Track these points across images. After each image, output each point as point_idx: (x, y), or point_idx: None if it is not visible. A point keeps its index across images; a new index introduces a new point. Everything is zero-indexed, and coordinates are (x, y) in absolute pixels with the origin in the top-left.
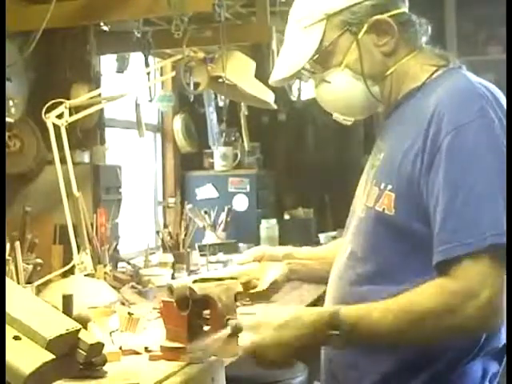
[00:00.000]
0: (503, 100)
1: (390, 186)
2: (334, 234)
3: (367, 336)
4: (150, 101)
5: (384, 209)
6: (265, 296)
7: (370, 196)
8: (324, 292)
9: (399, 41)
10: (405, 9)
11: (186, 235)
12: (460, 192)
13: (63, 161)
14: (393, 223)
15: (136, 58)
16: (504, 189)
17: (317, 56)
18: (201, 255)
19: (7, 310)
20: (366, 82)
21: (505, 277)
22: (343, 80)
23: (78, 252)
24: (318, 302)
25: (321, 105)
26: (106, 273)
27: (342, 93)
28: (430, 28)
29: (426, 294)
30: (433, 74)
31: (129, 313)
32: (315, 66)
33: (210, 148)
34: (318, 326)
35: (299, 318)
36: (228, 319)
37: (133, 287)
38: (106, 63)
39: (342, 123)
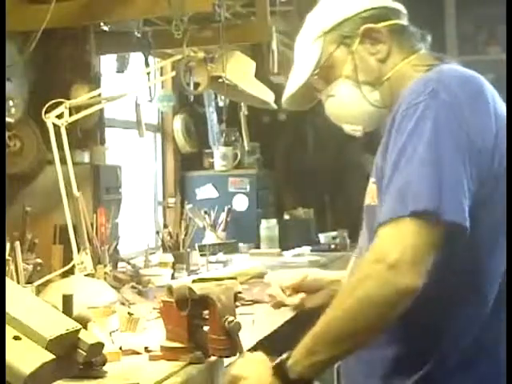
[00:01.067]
0: (489, 93)
1: (373, 179)
2: (334, 234)
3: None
4: (150, 101)
5: (370, 202)
6: None
7: (368, 194)
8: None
9: (392, 47)
10: (399, 20)
11: (186, 235)
12: (399, 165)
13: (63, 161)
14: (378, 213)
15: (136, 58)
16: (445, 163)
17: (317, 72)
18: (201, 255)
19: (7, 309)
20: (361, 88)
21: (431, 247)
22: (344, 90)
23: (78, 252)
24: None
25: (331, 120)
26: (106, 273)
27: (344, 103)
28: (428, 35)
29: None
30: (426, 72)
31: (129, 313)
32: (320, 82)
33: (210, 148)
34: None
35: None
36: (227, 319)
37: (133, 287)
38: (106, 63)
39: (353, 134)
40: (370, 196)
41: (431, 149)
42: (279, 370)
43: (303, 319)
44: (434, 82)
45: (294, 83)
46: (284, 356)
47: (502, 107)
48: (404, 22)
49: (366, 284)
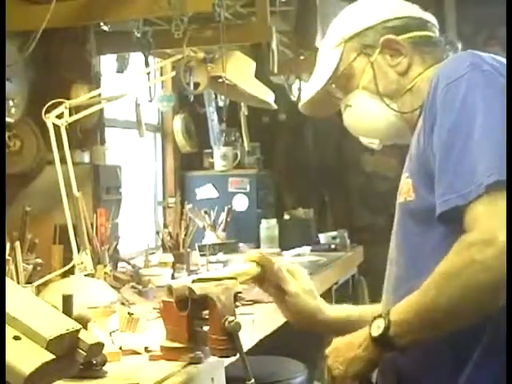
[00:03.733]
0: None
1: (406, 174)
2: (334, 234)
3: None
4: (150, 101)
5: (405, 198)
6: None
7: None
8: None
9: (414, 59)
10: (425, 31)
11: (186, 235)
12: (455, 143)
13: (63, 161)
14: (416, 208)
15: (136, 58)
16: (503, 132)
17: (335, 80)
18: (201, 255)
19: (7, 309)
20: (379, 100)
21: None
22: (361, 101)
23: (78, 252)
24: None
25: (348, 130)
26: (106, 273)
27: (360, 114)
28: (457, 44)
29: (449, 258)
30: None
31: (129, 313)
32: (338, 91)
33: (210, 148)
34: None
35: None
36: (227, 319)
37: (133, 287)
38: (106, 63)
39: (370, 147)
40: (405, 191)
41: (488, 120)
42: (381, 342)
43: None
44: (469, 56)
45: (311, 89)
46: (381, 326)
47: None
48: (430, 32)
49: (474, 269)
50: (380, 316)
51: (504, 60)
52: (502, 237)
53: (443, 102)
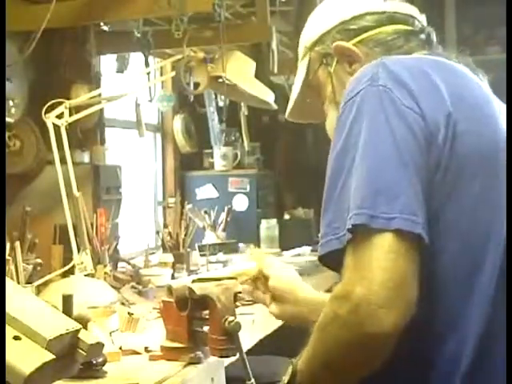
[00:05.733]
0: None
1: None
2: None
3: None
4: (150, 101)
5: None
6: None
7: None
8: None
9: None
10: (394, 25)
11: (186, 235)
12: (338, 174)
13: (63, 161)
14: None
15: (136, 58)
16: (390, 160)
17: (310, 90)
18: (201, 255)
19: (7, 309)
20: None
21: (401, 258)
22: (328, 114)
23: (78, 252)
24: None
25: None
26: (106, 273)
27: (328, 128)
28: (432, 36)
29: (323, 310)
30: None
31: (129, 313)
32: (317, 101)
33: (210, 148)
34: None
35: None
36: (227, 319)
37: (133, 287)
38: (106, 63)
39: None
40: None
41: (369, 149)
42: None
43: None
44: (373, 68)
45: (291, 98)
46: (288, 373)
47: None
48: (401, 25)
49: (335, 324)
50: (292, 363)
51: (417, 60)
52: (359, 290)
53: (337, 124)
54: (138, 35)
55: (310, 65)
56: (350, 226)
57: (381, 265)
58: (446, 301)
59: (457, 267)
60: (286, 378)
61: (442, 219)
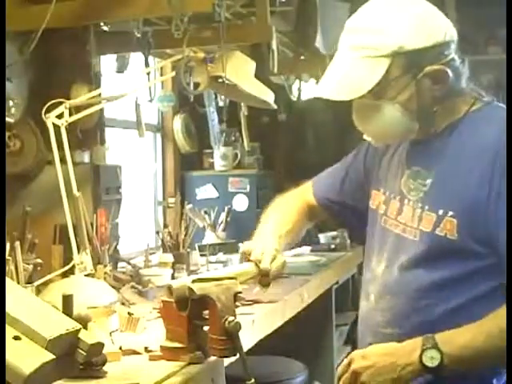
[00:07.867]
0: None
1: (451, 212)
2: (334, 234)
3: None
4: (150, 101)
5: (446, 234)
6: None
7: (423, 221)
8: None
9: (449, 86)
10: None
11: (186, 235)
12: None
13: (63, 161)
14: (456, 247)
15: (136, 58)
16: None
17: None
18: (201, 255)
19: (7, 310)
20: (407, 117)
21: None
22: (391, 114)
23: (78, 252)
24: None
25: (356, 123)
26: (106, 273)
27: (385, 125)
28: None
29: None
30: (471, 106)
31: (129, 313)
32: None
33: (210, 148)
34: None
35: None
36: (227, 319)
37: (133, 287)
38: (106, 63)
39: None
40: (433, 224)
41: None
42: (434, 371)
43: (303, 319)
44: None
45: (347, 91)
46: (435, 357)
47: None
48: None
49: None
50: (429, 345)
51: None
52: None
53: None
54: (138, 35)
55: (391, 69)
56: None
57: None
58: None
59: None
60: (431, 361)
61: None
